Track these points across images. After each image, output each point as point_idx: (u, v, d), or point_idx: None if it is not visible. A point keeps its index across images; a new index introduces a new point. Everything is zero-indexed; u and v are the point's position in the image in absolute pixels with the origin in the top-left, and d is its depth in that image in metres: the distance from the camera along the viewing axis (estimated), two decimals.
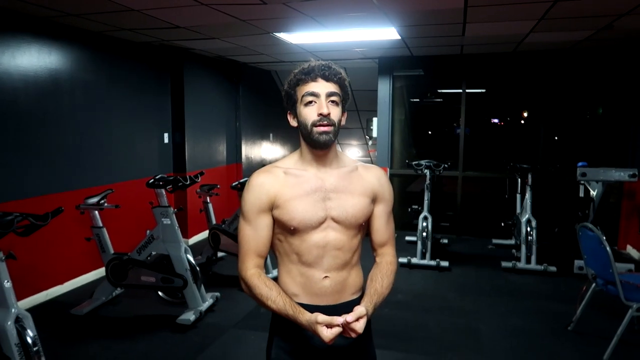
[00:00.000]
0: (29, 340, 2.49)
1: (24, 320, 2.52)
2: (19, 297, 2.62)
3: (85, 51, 4.50)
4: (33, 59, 3.97)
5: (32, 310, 2.69)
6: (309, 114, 1.38)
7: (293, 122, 1.45)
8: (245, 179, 3.85)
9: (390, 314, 3.88)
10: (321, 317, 1.27)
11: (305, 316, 1.30)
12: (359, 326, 1.26)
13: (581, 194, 4.93)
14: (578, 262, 4.72)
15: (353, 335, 1.27)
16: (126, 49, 5.02)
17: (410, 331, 3.59)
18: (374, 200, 1.50)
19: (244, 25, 4.24)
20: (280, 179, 1.42)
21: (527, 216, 4.91)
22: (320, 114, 1.36)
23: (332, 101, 1.39)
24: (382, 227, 1.54)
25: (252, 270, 1.41)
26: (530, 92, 6.44)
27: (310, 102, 1.38)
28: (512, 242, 5.66)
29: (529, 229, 4.87)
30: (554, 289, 4.45)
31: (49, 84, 4.12)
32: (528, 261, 4.87)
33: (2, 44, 3.71)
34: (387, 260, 1.53)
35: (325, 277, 1.43)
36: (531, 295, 4.29)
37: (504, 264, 4.95)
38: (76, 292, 4.34)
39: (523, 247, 4.90)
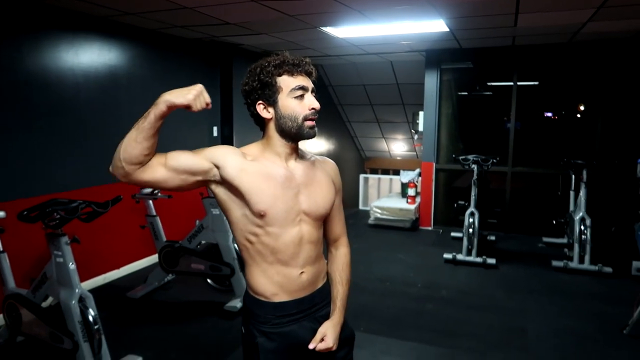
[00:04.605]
0: (91, 318, 2.68)
1: (86, 300, 2.71)
2: (81, 280, 2.81)
3: (141, 48, 4.73)
4: (94, 56, 4.21)
5: (92, 292, 2.89)
6: (298, 107, 1.37)
7: (266, 113, 1.41)
8: None
9: (434, 310, 3.85)
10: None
11: (162, 98, 1.29)
12: (330, 340, 1.46)
13: None
14: (636, 264, 4.49)
15: (332, 349, 1.48)
16: (178, 45, 5.22)
17: (454, 327, 3.55)
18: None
19: (291, 21, 4.30)
20: (246, 160, 1.40)
21: (581, 214, 4.71)
22: (313, 109, 1.38)
23: (315, 97, 1.41)
24: (338, 218, 1.60)
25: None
26: (588, 84, 6.12)
27: (302, 95, 1.38)
28: (564, 240, 5.44)
29: (582, 227, 4.67)
30: (609, 291, 4.25)
31: (107, 79, 4.36)
32: (581, 261, 4.67)
33: (68, 43, 3.96)
34: (343, 252, 1.62)
35: (302, 272, 1.45)
36: (584, 296, 4.12)
37: (555, 263, 4.78)
38: (131, 277, 4.59)
39: (576, 246, 4.70)
